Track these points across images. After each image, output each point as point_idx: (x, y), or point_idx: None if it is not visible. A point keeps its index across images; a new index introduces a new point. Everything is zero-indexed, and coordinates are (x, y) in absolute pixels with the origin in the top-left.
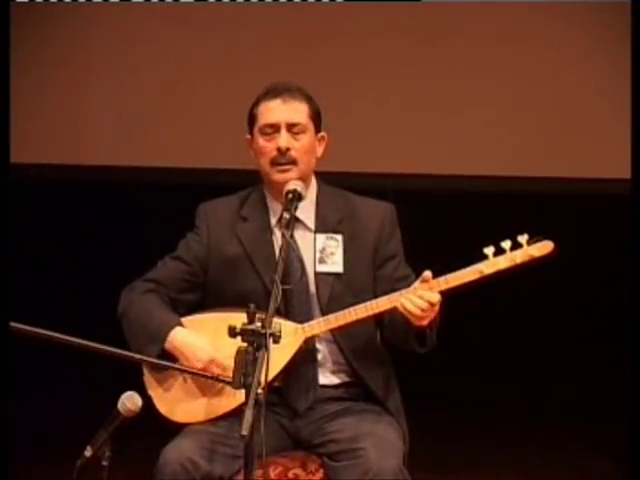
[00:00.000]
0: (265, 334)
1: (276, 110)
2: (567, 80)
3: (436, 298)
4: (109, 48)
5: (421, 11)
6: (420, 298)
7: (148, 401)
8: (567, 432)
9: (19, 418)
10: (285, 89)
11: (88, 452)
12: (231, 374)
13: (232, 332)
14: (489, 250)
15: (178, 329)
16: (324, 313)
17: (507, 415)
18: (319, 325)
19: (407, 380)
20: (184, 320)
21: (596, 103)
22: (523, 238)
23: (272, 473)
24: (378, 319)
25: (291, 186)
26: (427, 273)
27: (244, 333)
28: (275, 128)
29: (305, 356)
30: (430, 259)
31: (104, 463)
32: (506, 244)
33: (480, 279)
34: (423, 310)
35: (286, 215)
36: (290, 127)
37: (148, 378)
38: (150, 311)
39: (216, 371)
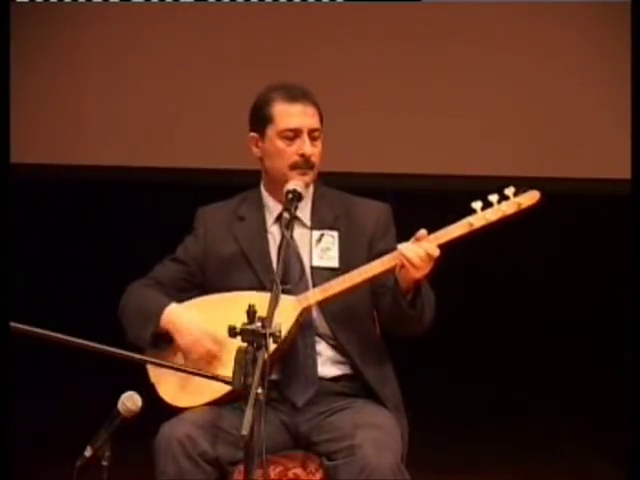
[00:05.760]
0: (265, 334)
1: (298, 115)
2: (567, 80)
3: (437, 252)
4: (109, 48)
5: (421, 11)
6: (423, 248)
7: (150, 389)
8: (568, 433)
9: (19, 418)
10: (302, 94)
11: (88, 452)
12: (226, 347)
13: (232, 332)
14: (477, 204)
15: (172, 306)
16: (320, 306)
17: (507, 416)
18: (314, 295)
19: (407, 380)
20: (191, 302)
21: (596, 103)
22: (510, 190)
23: (272, 473)
24: (376, 310)
25: (291, 186)
26: (422, 231)
27: (244, 333)
28: (296, 133)
29: (304, 351)
30: None
31: (104, 463)
32: (493, 197)
33: (469, 233)
34: (422, 260)
35: (286, 215)
36: (310, 132)
37: (150, 366)
38: (146, 298)
39: (209, 344)
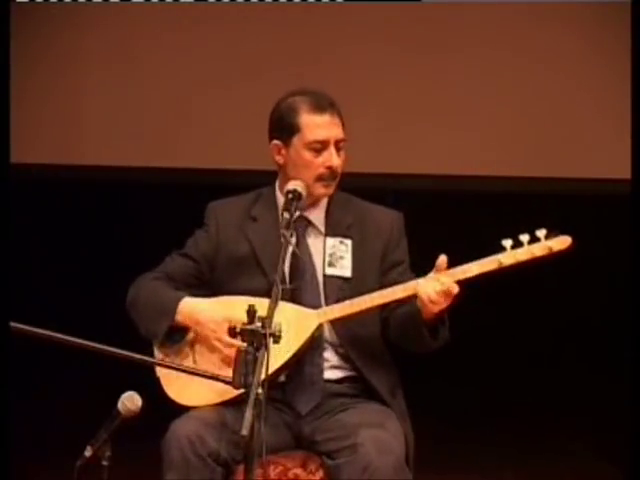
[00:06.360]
0: (265, 334)
1: (326, 127)
2: (567, 80)
3: (455, 289)
4: (109, 48)
5: (421, 11)
6: (440, 284)
7: (155, 383)
8: (568, 433)
9: (19, 418)
10: (328, 104)
11: (88, 452)
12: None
13: (232, 332)
14: (507, 242)
15: (186, 299)
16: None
17: (508, 416)
18: (333, 311)
19: (409, 382)
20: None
21: (596, 103)
22: (541, 232)
23: (272, 473)
24: (383, 321)
25: (291, 186)
26: (442, 259)
27: (244, 333)
28: (324, 145)
29: (310, 358)
30: (430, 260)
31: (104, 463)
32: (524, 237)
33: (497, 270)
34: (438, 295)
35: (286, 215)
36: (337, 143)
37: (157, 357)
38: (158, 292)
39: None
